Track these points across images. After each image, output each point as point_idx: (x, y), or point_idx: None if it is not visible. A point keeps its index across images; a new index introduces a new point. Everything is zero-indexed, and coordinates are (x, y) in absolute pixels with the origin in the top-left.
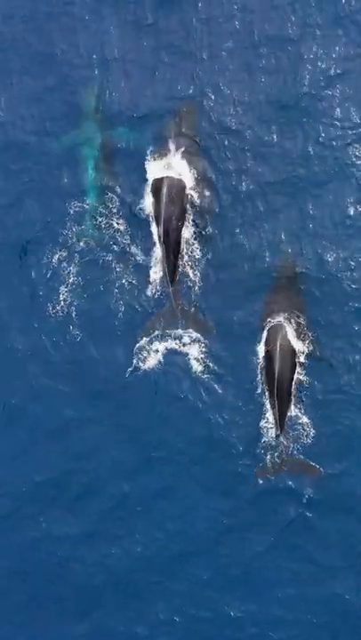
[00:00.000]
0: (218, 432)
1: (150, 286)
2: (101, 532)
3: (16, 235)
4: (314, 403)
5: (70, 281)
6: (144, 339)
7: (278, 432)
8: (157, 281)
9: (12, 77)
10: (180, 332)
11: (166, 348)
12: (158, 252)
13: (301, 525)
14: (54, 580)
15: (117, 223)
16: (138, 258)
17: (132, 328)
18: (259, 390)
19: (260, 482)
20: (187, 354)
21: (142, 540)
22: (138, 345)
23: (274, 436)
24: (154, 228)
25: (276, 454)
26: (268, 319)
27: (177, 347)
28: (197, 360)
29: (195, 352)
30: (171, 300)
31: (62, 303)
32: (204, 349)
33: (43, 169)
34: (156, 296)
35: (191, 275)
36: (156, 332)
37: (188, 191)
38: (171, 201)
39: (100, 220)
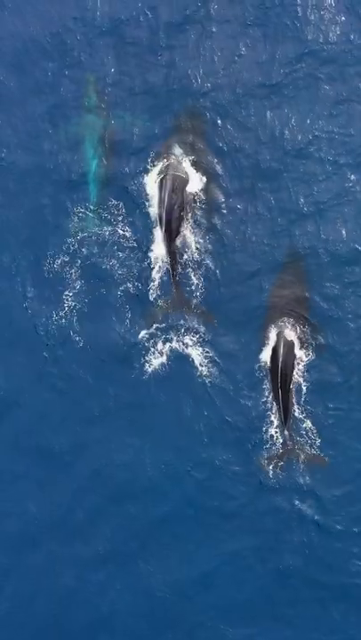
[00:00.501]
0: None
1: (152, 289)
2: (110, 554)
3: (17, 239)
4: (319, 394)
5: (73, 286)
6: (144, 331)
7: (283, 426)
8: (160, 283)
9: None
10: (182, 322)
11: (170, 351)
12: (160, 252)
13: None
14: (61, 604)
15: (122, 229)
16: (140, 261)
17: (136, 334)
18: (263, 385)
19: (264, 471)
20: (189, 355)
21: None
22: (141, 335)
23: (279, 430)
24: (156, 219)
25: (279, 443)
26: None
27: (181, 349)
28: (200, 357)
29: (197, 352)
30: (172, 288)
31: (66, 309)
32: (206, 349)
33: (44, 170)
34: (159, 299)
35: (193, 268)
36: (158, 323)
37: (191, 188)
38: (173, 190)
39: (101, 213)
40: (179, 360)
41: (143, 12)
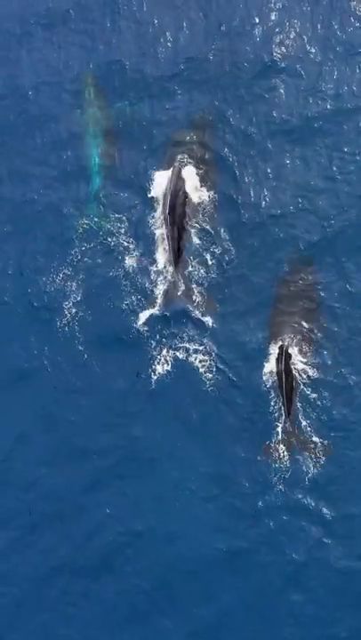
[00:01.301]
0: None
1: (156, 294)
2: (113, 567)
3: (19, 252)
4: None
5: (75, 296)
6: (145, 314)
7: (286, 417)
8: (163, 293)
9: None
10: (182, 305)
11: (174, 359)
12: (162, 261)
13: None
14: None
15: (125, 241)
16: (143, 270)
17: (139, 342)
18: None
19: (268, 460)
20: (193, 362)
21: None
22: (141, 321)
23: (283, 422)
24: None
25: (283, 432)
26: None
27: (184, 355)
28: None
29: (201, 358)
30: (174, 275)
31: (68, 318)
32: (209, 348)
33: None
34: (162, 308)
35: (195, 260)
36: (159, 308)
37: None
38: (180, 177)
39: (104, 203)
40: (182, 368)
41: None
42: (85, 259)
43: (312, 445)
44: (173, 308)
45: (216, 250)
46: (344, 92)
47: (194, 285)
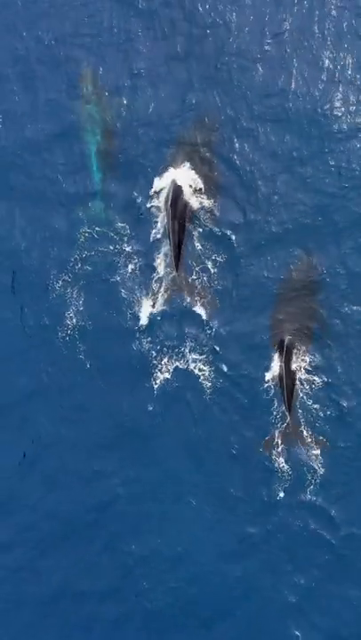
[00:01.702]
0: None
1: (157, 298)
2: (123, 586)
3: (19, 259)
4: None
5: (77, 305)
6: (147, 312)
7: (288, 415)
8: (163, 292)
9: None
10: (182, 310)
11: (175, 369)
12: (163, 265)
13: None
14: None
15: (125, 247)
16: (143, 277)
17: (140, 352)
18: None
19: (266, 454)
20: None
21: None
22: (141, 321)
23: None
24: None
25: (282, 426)
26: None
27: (186, 366)
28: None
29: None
30: (174, 270)
31: (70, 327)
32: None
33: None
34: (163, 317)
35: (197, 258)
36: (159, 313)
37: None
38: (179, 183)
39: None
40: (184, 378)
41: None
42: (86, 266)
43: (309, 440)
44: (174, 315)
45: (217, 252)
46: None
47: (195, 284)
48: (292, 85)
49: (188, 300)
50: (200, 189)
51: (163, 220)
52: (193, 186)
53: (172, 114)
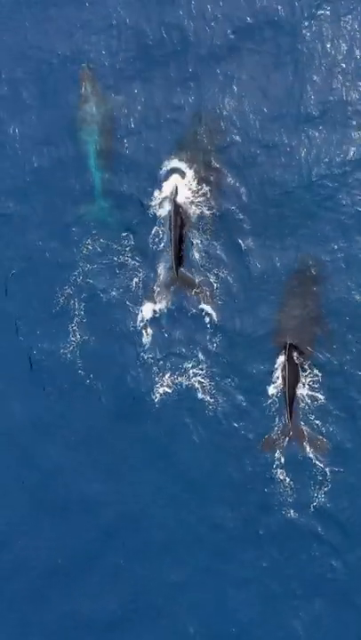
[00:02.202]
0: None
1: (158, 312)
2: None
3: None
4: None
5: (78, 318)
6: (147, 309)
7: (288, 418)
8: (167, 310)
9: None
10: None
11: (176, 383)
12: (164, 277)
13: None
14: None
15: (131, 259)
16: (145, 288)
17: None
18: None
19: (265, 453)
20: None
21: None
22: (140, 316)
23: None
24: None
25: (282, 427)
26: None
27: (187, 381)
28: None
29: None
30: (173, 266)
31: (71, 339)
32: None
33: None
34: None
35: (197, 262)
36: (159, 304)
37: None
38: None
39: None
40: (186, 394)
41: None
42: (88, 279)
43: (310, 441)
44: (175, 328)
45: (218, 255)
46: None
47: (195, 284)
48: (301, 86)
49: (189, 300)
50: (202, 192)
51: (166, 222)
52: (195, 189)
53: (173, 114)
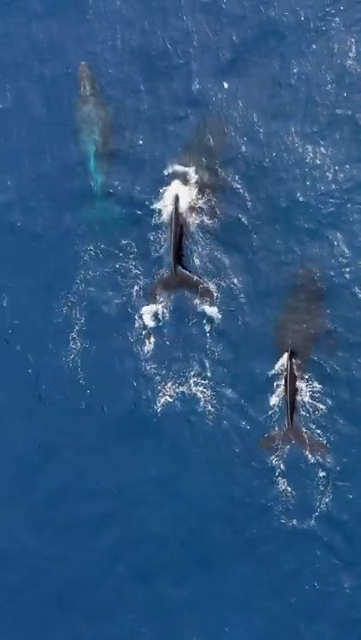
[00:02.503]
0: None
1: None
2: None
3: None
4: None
5: (80, 327)
6: (145, 307)
7: (288, 424)
8: (169, 317)
9: None
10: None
11: (178, 393)
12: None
13: None
14: None
15: (134, 267)
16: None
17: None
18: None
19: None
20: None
21: None
22: (141, 312)
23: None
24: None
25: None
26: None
27: (189, 391)
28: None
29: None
30: (171, 265)
31: (73, 349)
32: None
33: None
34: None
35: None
36: (158, 301)
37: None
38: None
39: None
40: (187, 402)
41: None
42: (90, 287)
43: (311, 443)
44: (176, 336)
45: (219, 259)
46: None
47: (193, 284)
48: (307, 98)
49: (190, 308)
50: (204, 198)
51: (167, 227)
52: (197, 195)
53: (176, 117)
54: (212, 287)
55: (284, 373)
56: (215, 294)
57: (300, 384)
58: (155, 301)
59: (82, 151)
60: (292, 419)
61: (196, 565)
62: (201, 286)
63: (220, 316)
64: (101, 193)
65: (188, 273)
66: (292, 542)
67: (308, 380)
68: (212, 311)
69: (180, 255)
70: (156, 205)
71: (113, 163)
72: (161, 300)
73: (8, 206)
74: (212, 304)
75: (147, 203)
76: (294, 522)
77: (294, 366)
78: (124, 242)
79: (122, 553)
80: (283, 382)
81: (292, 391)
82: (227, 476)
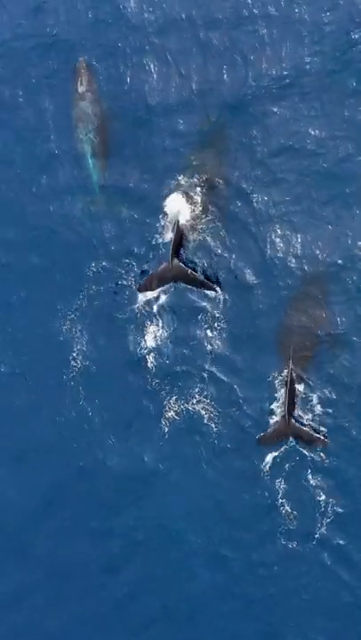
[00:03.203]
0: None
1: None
2: None
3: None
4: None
5: (81, 345)
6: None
7: (287, 418)
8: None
9: None
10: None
11: (181, 409)
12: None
13: None
14: None
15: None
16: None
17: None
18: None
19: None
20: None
21: None
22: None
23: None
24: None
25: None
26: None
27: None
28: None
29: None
30: (169, 256)
31: (74, 370)
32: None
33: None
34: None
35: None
36: (154, 292)
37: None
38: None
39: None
40: (189, 420)
41: None
42: (94, 302)
43: (308, 436)
44: (178, 353)
45: (220, 261)
46: None
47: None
48: (314, 120)
49: (191, 323)
50: (206, 192)
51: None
52: (198, 189)
53: (175, 111)
54: (211, 283)
55: (286, 370)
56: (215, 286)
57: (301, 380)
58: (151, 289)
59: (78, 148)
60: (290, 413)
61: (197, 589)
62: (198, 280)
63: (221, 335)
64: (99, 189)
65: (184, 266)
66: (293, 565)
67: (308, 380)
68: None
69: (178, 250)
70: (158, 204)
71: (110, 159)
72: (155, 292)
73: (5, 223)
74: (211, 295)
75: (146, 202)
76: (295, 544)
77: (295, 366)
78: (125, 261)
79: (129, 591)
80: (284, 380)
81: (291, 386)
82: (230, 495)
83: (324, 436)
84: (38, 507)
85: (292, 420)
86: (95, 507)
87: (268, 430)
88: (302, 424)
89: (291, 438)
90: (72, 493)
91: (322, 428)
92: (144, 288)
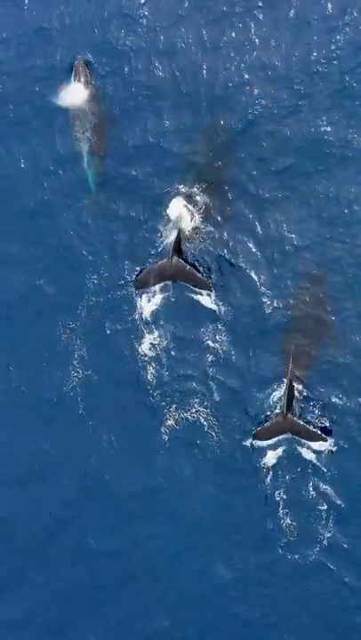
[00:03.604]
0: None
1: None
2: None
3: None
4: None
5: (81, 354)
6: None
7: (284, 412)
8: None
9: None
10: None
11: (181, 418)
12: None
13: None
14: None
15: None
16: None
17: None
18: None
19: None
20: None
21: None
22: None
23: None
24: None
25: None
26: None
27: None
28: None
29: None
30: (170, 253)
31: (74, 379)
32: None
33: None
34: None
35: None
36: (151, 288)
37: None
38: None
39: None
40: (189, 430)
41: None
42: (94, 312)
43: (306, 431)
44: (178, 362)
45: (221, 264)
46: None
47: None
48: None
49: (192, 332)
50: (206, 193)
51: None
52: (197, 187)
53: (175, 110)
54: (207, 282)
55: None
56: (211, 286)
57: (301, 381)
58: (148, 286)
59: (75, 146)
60: (288, 408)
61: (197, 606)
62: (197, 278)
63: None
64: (96, 188)
65: (183, 263)
66: (295, 578)
67: (308, 380)
68: (211, 303)
69: (180, 249)
70: (157, 204)
71: (108, 158)
72: (153, 288)
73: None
74: (210, 296)
75: (146, 202)
76: (296, 557)
77: (295, 366)
78: (125, 266)
79: (125, 589)
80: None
81: (290, 383)
82: (231, 508)
83: (322, 431)
84: (44, 527)
85: (290, 415)
86: (95, 525)
87: (266, 424)
88: (301, 420)
89: (289, 434)
90: (74, 510)
91: (320, 424)
92: (141, 284)
